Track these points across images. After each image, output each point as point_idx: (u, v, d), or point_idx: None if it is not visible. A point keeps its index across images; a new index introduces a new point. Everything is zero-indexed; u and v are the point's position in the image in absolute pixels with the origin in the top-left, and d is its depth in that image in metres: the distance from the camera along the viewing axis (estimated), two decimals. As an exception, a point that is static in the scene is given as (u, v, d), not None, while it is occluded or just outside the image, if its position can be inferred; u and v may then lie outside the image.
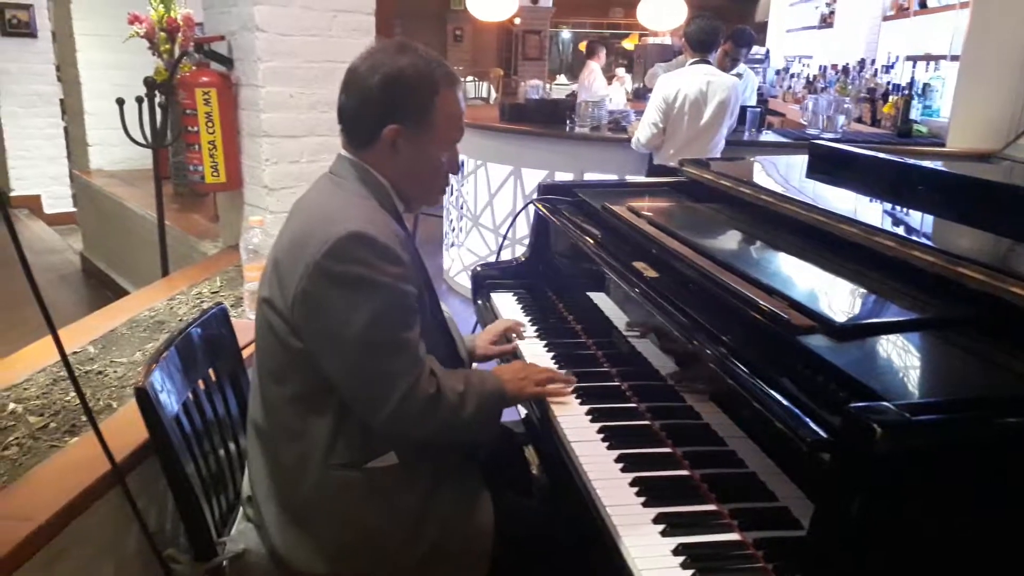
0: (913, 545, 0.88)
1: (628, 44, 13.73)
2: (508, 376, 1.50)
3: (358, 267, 1.24)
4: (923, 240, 1.37)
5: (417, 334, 1.32)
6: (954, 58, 4.70)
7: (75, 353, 1.98)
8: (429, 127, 1.36)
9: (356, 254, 1.24)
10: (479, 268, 2.31)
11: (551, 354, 1.76)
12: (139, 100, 2.96)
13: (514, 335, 1.84)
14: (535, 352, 1.78)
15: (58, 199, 6.68)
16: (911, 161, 1.85)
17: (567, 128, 4.40)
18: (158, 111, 2.97)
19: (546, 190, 2.25)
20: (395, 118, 1.34)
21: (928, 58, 5.42)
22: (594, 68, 7.15)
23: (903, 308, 1.24)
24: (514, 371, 1.54)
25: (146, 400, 1.30)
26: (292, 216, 1.41)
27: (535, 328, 1.91)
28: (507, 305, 2.11)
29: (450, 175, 1.47)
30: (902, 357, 1.11)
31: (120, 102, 2.93)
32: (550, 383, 1.53)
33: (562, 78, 11.95)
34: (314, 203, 1.39)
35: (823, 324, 1.12)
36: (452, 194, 5.02)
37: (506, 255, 3.05)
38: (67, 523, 1.35)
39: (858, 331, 1.12)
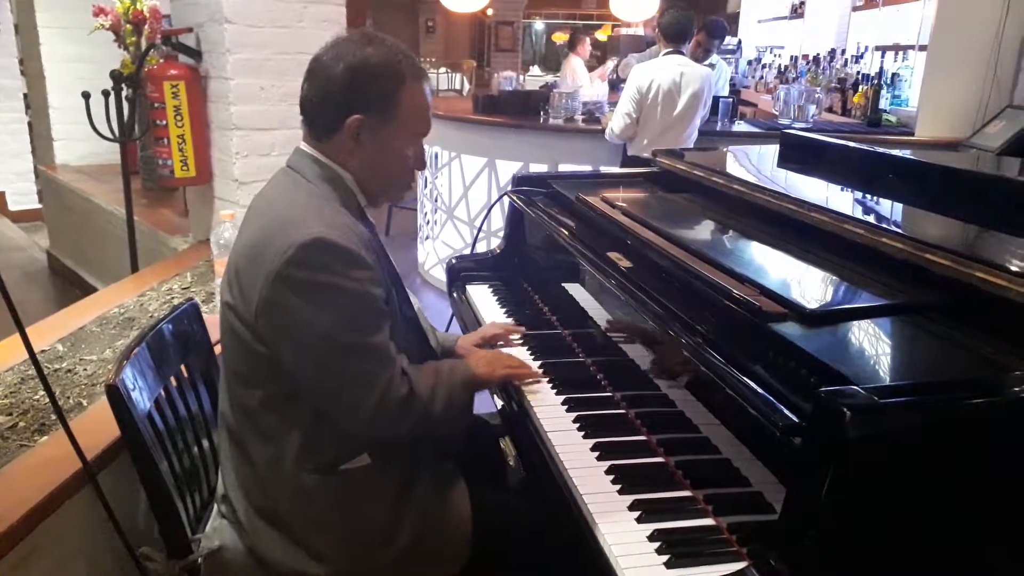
0: (883, 527, 0.90)
1: (601, 35, 13.74)
2: (477, 360, 1.51)
3: (321, 274, 1.22)
4: (892, 228, 1.39)
5: (387, 336, 1.30)
6: (922, 48, 4.77)
7: (43, 351, 1.94)
8: (394, 119, 1.33)
9: (318, 260, 1.21)
10: (454, 261, 2.31)
11: (527, 346, 1.76)
12: (105, 94, 2.91)
13: (502, 343, 1.78)
14: (511, 347, 1.78)
15: (23, 196, 6.53)
16: (880, 150, 1.87)
17: (541, 119, 4.40)
18: (125, 105, 2.92)
19: (520, 182, 2.25)
20: (358, 108, 1.31)
21: (897, 48, 5.49)
22: (575, 63, 6.96)
23: (873, 294, 1.26)
24: (484, 356, 1.55)
25: (117, 397, 1.28)
26: (250, 216, 1.37)
27: (512, 321, 1.91)
28: (483, 298, 2.11)
29: (416, 171, 1.44)
30: (872, 342, 1.12)
31: (86, 96, 2.88)
32: (520, 368, 1.54)
33: (535, 69, 11.93)
34: (272, 204, 1.35)
35: (794, 311, 1.13)
36: (426, 187, 5.00)
37: (481, 247, 3.05)
38: (38, 523, 1.34)
39: (828, 317, 1.14)
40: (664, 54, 3.87)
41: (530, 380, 1.55)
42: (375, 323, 1.28)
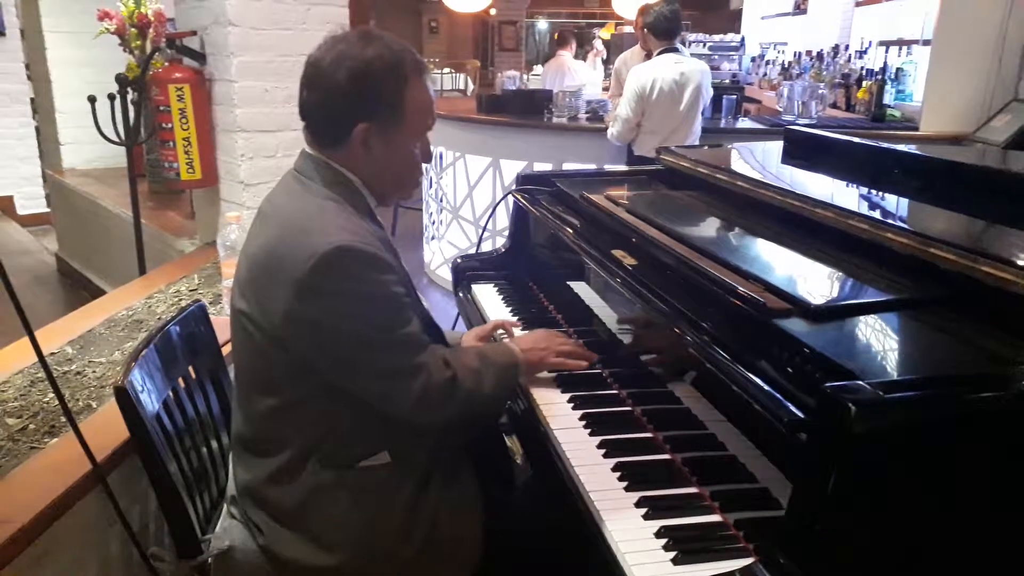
0: (889, 522, 0.90)
1: (604, 33, 13.72)
2: (528, 345, 1.50)
3: (347, 281, 1.22)
4: (897, 223, 1.39)
5: (417, 326, 1.32)
6: (926, 42, 4.76)
7: (53, 354, 1.96)
8: (400, 120, 1.32)
9: (343, 268, 1.22)
10: (459, 260, 2.31)
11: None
12: (111, 97, 2.93)
13: (503, 332, 1.80)
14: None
15: (31, 199, 6.57)
16: (885, 145, 1.87)
17: (545, 118, 4.40)
18: (131, 108, 2.94)
19: (524, 180, 2.25)
20: (365, 115, 1.30)
21: (901, 43, 5.47)
22: (567, 57, 7.00)
23: (877, 289, 1.26)
24: (535, 340, 1.54)
25: (126, 399, 1.29)
26: (262, 221, 1.36)
27: (517, 319, 1.91)
28: (488, 297, 2.11)
29: (424, 164, 1.44)
30: (877, 337, 1.12)
31: (92, 100, 2.90)
32: (571, 357, 1.53)
33: (539, 68, 11.91)
34: (283, 210, 1.34)
35: (799, 307, 1.13)
36: (431, 187, 5.01)
37: (487, 247, 3.06)
38: (49, 524, 1.34)
39: (833, 313, 1.14)
40: (658, 53, 3.84)
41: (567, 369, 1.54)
42: (405, 316, 1.30)
